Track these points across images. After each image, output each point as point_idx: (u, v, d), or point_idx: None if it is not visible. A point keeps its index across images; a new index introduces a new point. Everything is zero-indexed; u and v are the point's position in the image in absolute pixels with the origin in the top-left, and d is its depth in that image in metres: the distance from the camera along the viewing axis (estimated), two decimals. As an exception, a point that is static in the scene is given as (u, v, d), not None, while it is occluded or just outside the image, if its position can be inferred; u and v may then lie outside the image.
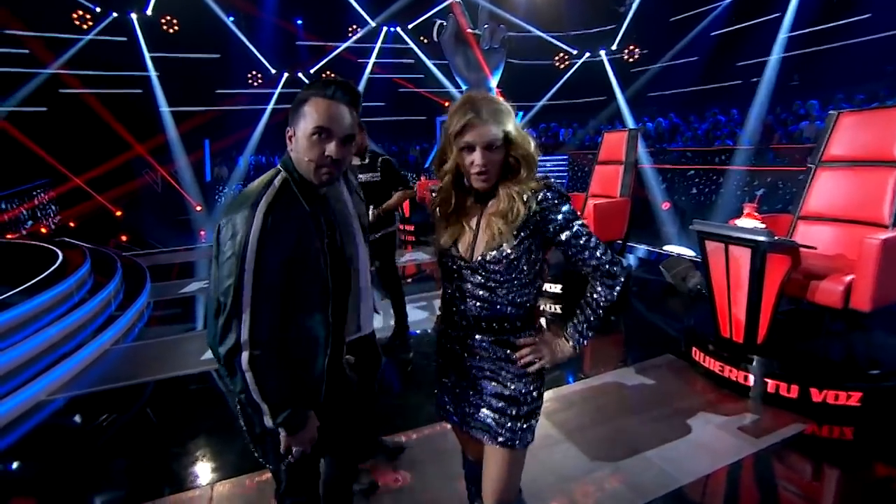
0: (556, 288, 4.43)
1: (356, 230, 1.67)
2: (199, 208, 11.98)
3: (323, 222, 1.18)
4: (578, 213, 1.64)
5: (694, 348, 3.22)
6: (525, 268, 1.20)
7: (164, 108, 12.46)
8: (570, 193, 6.32)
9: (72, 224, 10.97)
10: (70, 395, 3.24)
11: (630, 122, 12.46)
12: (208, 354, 3.69)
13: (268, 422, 1.14)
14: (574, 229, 1.20)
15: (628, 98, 13.05)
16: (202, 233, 10.79)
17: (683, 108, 11.48)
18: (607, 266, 1.20)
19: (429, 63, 14.93)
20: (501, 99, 1.22)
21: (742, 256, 2.81)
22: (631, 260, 6.32)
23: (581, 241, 1.20)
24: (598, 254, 1.20)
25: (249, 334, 1.06)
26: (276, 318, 1.10)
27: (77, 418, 2.96)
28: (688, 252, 6.25)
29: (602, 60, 14.12)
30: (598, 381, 3.07)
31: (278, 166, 1.19)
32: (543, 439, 2.42)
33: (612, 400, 2.86)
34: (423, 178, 12.77)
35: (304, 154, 1.14)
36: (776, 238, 2.72)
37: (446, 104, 14.37)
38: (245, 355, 1.07)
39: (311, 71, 14.71)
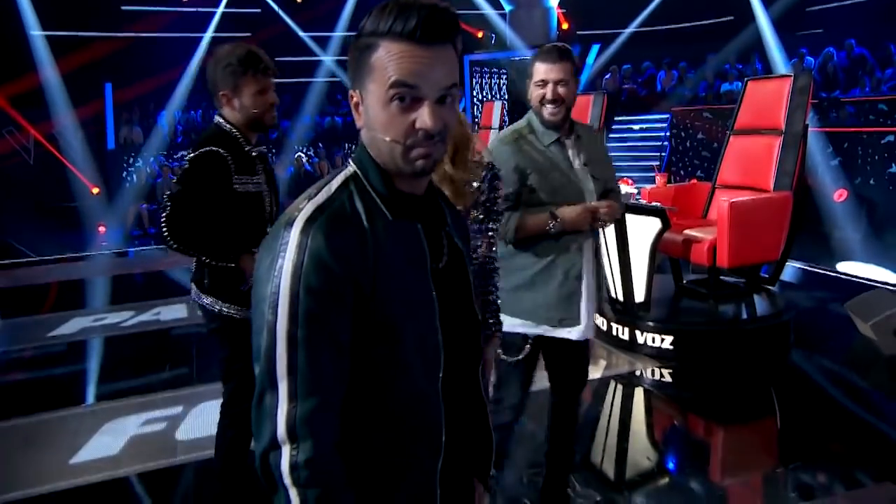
0: (666, 342, 4.43)
1: None
2: (95, 191, 12.00)
3: (423, 238, 1.18)
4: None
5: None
6: None
7: (36, 32, 12.33)
8: (677, 184, 6.24)
9: None
10: None
11: (778, 57, 11.94)
12: (89, 453, 3.47)
13: None
14: None
15: (774, 18, 12.52)
16: (101, 229, 10.71)
17: (872, 30, 10.95)
18: None
19: (452, -33, 14.73)
20: None
21: None
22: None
23: None
24: None
25: (287, 420, 1.05)
26: (334, 394, 1.09)
27: None
28: (886, 275, 6.14)
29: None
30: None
31: (350, 158, 1.23)
32: None
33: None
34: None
35: (383, 130, 1.13)
36: None
37: (480, 35, 14.18)
38: (285, 458, 1.05)
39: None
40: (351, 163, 1.19)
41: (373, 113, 1.12)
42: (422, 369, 1.16)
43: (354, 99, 1.16)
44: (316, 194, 1.13)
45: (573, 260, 2.37)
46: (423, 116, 1.10)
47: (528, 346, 2.42)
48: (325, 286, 1.05)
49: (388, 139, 1.12)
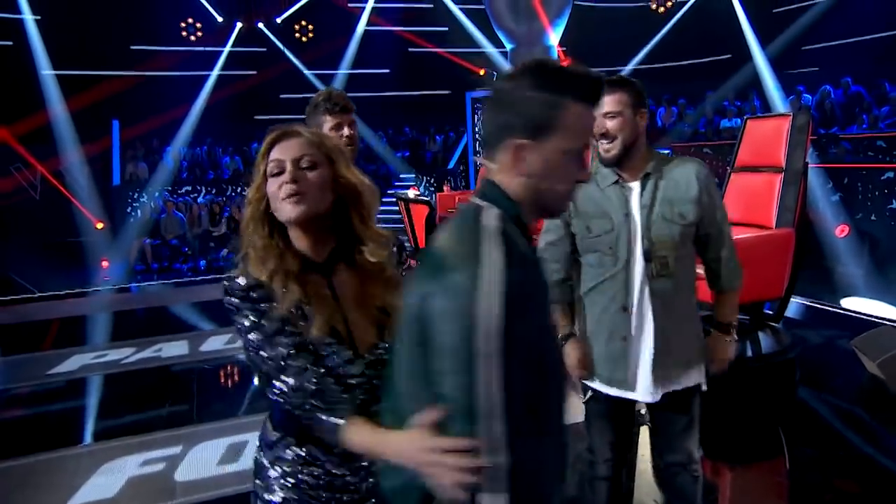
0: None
1: None
2: (99, 225, 12.04)
3: (542, 271, 1.26)
4: None
5: None
6: None
7: (47, 72, 12.48)
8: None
9: None
10: None
11: (776, 94, 12.06)
12: (86, 495, 3.41)
13: None
14: None
15: (771, 56, 12.73)
16: (105, 264, 10.67)
17: (867, 69, 11.07)
18: None
19: (455, 9, 14.89)
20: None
21: None
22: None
23: None
24: None
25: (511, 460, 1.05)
26: (521, 419, 1.08)
27: None
28: (890, 311, 6.06)
29: (727, -2, 13.86)
30: None
31: (475, 200, 1.21)
32: None
33: None
34: (446, 187, 12.74)
35: (563, 181, 1.20)
36: None
37: (481, 73, 14.35)
38: None
39: (279, 20, 14.83)
40: (485, 203, 1.18)
41: (553, 164, 1.16)
42: (558, 401, 1.20)
43: (524, 146, 1.15)
44: (482, 232, 1.11)
45: (616, 321, 2.19)
46: (586, 169, 1.22)
47: (591, 392, 2.29)
48: (522, 323, 1.05)
49: (566, 188, 1.21)
